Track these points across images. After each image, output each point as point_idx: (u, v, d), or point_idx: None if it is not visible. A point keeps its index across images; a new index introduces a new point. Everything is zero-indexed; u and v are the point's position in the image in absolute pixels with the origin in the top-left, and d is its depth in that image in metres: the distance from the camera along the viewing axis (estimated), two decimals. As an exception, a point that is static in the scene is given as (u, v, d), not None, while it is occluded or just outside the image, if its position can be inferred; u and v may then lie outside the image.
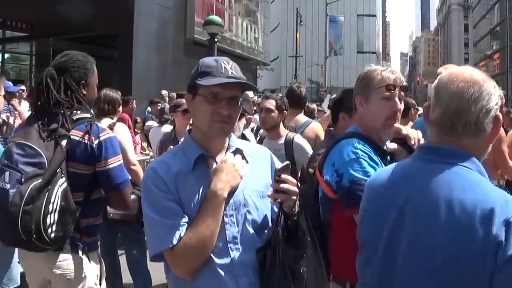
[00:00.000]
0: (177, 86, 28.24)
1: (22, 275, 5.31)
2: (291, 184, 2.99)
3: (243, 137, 6.33)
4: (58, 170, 3.96)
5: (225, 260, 3.01)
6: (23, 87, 15.49)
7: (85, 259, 4.29)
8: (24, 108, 13.07)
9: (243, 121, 7.58)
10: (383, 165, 3.55)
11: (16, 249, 5.04)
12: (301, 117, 8.64)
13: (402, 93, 3.73)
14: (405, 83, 3.79)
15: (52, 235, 3.87)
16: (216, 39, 18.24)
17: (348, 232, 3.26)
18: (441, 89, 2.51)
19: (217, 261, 2.99)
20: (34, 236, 3.78)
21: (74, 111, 4.28)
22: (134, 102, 15.95)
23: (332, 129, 5.74)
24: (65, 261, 4.20)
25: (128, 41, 30.34)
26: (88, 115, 4.33)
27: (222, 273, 2.99)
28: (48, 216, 3.83)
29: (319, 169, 3.82)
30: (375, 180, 2.81)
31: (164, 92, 20.81)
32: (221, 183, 2.98)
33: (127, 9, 30.01)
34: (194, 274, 2.99)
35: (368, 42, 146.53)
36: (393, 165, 2.84)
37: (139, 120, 18.35)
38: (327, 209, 3.78)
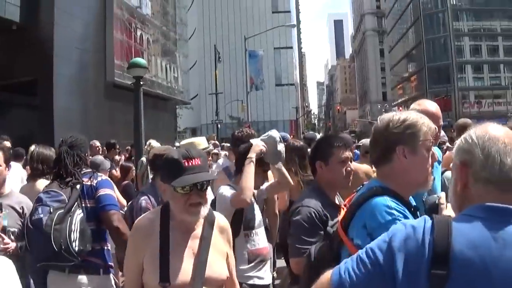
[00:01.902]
0: (100, 131, 27.78)
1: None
2: None
3: None
4: (75, 204, 5.53)
5: None
6: None
7: (100, 279, 5.73)
8: None
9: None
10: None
11: None
12: None
13: None
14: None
15: (76, 248, 5.27)
16: (142, 82, 17.62)
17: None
18: (488, 146, 2.41)
19: None
20: (63, 247, 5.18)
21: (83, 169, 6.00)
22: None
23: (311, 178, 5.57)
24: (83, 282, 5.55)
25: (48, 87, 29.85)
26: (89, 170, 6.09)
27: None
28: (72, 233, 5.29)
29: (343, 229, 3.46)
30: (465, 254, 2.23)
31: (96, 142, 18.34)
32: None
33: (46, 53, 29.57)
34: None
35: (286, 74, 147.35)
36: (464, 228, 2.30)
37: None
38: None
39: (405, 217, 3.16)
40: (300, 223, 4.77)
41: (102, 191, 5.78)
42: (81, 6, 35.10)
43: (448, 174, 6.93)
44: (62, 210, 5.39)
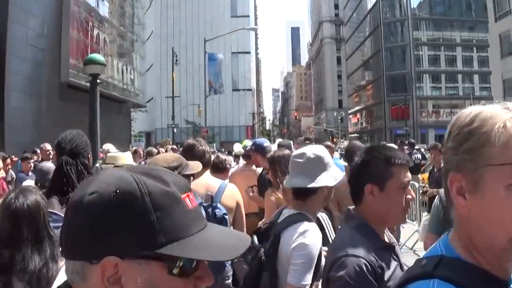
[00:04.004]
0: (53, 133, 26.59)
1: None
2: None
3: None
4: None
5: None
6: None
7: None
8: None
9: None
10: None
11: None
12: (213, 181, 6.53)
13: None
14: None
15: None
16: (98, 80, 16.30)
17: None
18: None
19: None
20: None
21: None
22: (9, 159, 13.50)
23: (351, 208, 3.66)
24: None
25: (-1, 85, 28.65)
26: None
27: None
28: None
29: None
30: None
31: (47, 146, 15.20)
32: None
33: (-2, 50, 28.50)
34: None
35: (243, 80, 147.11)
36: None
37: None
38: None
39: None
40: (346, 282, 3.12)
41: None
42: (38, 3, 34.00)
43: None
44: None
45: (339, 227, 4.00)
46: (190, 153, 6.33)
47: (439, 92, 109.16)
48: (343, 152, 15.12)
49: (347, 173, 6.08)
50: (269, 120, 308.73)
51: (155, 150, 19.11)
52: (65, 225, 1.57)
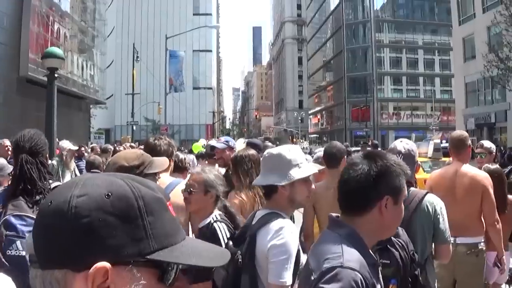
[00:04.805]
0: (10, 129, 26.09)
1: None
2: None
3: None
4: None
5: None
6: None
7: None
8: None
9: None
10: None
11: None
12: (166, 177, 6.23)
13: None
14: None
15: None
16: (56, 75, 15.84)
17: None
18: None
19: None
20: None
21: (50, 181, 4.84)
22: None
23: (337, 215, 3.08)
24: None
25: (-45, 80, 28.09)
26: (59, 182, 5.07)
27: None
28: None
29: None
30: None
31: (5, 141, 15.41)
32: None
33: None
34: None
35: (204, 78, 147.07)
36: None
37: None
38: None
39: None
40: None
41: None
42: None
43: (431, 198, 5.19)
44: None
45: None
46: (151, 151, 5.78)
47: (400, 94, 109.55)
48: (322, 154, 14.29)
49: (325, 176, 5.93)
50: (229, 119, 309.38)
51: (110, 147, 18.75)
52: (42, 231, 1.44)
